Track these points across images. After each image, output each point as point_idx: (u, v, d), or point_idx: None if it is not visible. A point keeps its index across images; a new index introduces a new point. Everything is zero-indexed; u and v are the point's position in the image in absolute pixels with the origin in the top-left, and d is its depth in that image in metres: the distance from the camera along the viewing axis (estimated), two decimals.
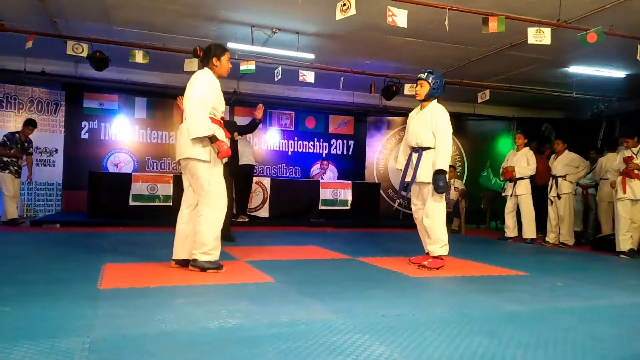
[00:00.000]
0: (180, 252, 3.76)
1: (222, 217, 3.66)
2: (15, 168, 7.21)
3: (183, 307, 2.60)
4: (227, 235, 5.42)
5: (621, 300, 3.26)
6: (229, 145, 3.70)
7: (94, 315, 2.39)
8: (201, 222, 3.58)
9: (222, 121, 3.76)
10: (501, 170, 7.46)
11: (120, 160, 9.33)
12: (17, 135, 7.36)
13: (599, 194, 6.96)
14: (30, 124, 7.47)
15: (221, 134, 3.65)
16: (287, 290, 3.16)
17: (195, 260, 3.62)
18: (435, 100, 4.25)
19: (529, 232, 7.02)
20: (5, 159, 7.10)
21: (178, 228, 3.74)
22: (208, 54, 3.74)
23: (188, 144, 3.53)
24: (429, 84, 4.14)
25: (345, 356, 1.89)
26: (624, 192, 5.70)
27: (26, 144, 7.45)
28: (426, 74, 4.19)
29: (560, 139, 7.05)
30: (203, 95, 3.58)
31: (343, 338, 2.12)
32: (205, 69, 3.76)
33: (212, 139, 3.52)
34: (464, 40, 6.72)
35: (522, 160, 7.09)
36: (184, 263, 3.72)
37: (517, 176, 7.08)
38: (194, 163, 3.56)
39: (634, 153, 5.83)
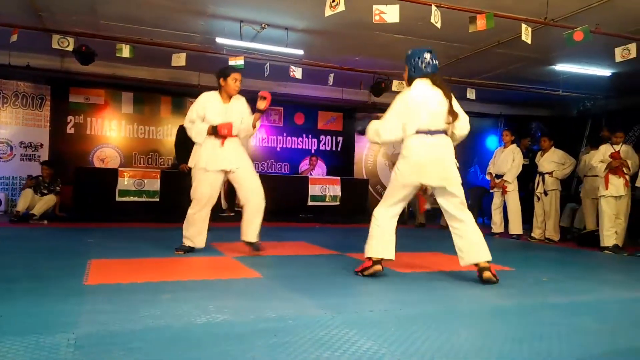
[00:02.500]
0: None
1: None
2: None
3: (170, 302, 2.58)
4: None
5: (606, 295, 3.31)
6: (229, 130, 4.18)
7: (80, 311, 2.37)
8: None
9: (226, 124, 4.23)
10: (490, 168, 7.51)
11: (107, 156, 9.24)
12: (40, 178, 7.39)
13: (583, 190, 7.05)
14: (44, 164, 7.53)
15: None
16: (274, 285, 3.15)
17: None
18: (417, 81, 3.62)
19: (515, 228, 7.09)
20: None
21: None
22: (217, 77, 4.35)
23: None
24: (407, 67, 3.81)
25: (332, 351, 1.89)
26: (606, 189, 5.79)
27: (50, 186, 7.39)
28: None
29: (547, 136, 7.12)
30: (189, 114, 4.32)
31: (331, 333, 2.12)
32: (214, 91, 4.41)
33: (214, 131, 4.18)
34: (453, 37, 6.74)
35: (508, 158, 7.16)
36: None
37: (504, 172, 7.16)
38: None
39: (614, 150, 5.92)
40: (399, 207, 3.64)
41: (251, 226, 4.34)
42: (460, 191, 3.48)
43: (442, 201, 3.57)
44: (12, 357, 1.71)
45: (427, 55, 3.60)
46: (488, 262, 3.35)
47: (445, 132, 3.46)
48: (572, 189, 8.31)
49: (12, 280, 3.05)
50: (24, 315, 2.27)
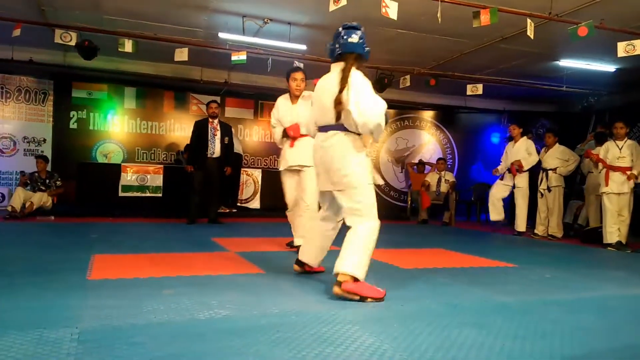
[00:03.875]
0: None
1: None
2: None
3: (173, 297, 2.59)
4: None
5: (609, 292, 3.30)
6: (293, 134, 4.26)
7: (83, 306, 2.38)
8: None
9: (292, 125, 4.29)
10: (502, 165, 7.38)
11: (110, 151, 9.24)
12: (36, 174, 7.32)
13: (587, 187, 7.02)
14: (39, 157, 7.47)
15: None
16: (277, 281, 3.16)
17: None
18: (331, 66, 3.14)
19: (520, 225, 7.07)
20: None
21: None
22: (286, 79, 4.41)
23: None
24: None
25: (335, 346, 1.90)
26: (607, 185, 5.77)
27: (47, 180, 7.34)
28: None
29: (552, 132, 7.08)
30: (271, 119, 4.51)
31: (333, 329, 2.12)
32: (287, 93, 4.48)
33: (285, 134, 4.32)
34: (456, 32, 6.71)
35: (521, 150, 7.08)
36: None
37: (525, 168, 7.02)
38: None
39: (618, 147, 5.88)
40: (324, 211, 3.22)
41: (297, 230, 4.37)
42: (357, 195, 2.86)
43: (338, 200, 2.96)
44: (16, 351, 1.72)
45: (335, 35, 3.05)
46: (349, 275, 2.71)
47: (339, 127, 2.89)
48: (575, 185, 8.28)
49: (16, 274, 3.06)
50: (27, 309, 2.28)
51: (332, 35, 3.15)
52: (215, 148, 6.85)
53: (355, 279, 2.72)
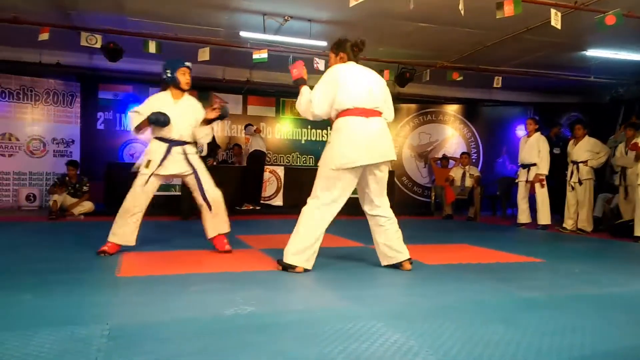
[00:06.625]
0: None
1: None
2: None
3: (199, 294, 2.62)
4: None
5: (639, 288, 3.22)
6: None
7: (112, 303, 2.43)
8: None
9: None
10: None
11: (137, 151, 9.41)
12: (66, 178, 7.45)
13: (620, 179, 6.84)
14: (69, 164, 7.59)
15: None
16: (301, 277, 3.17)
17: None
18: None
19: (544, 218, 6.95)
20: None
21: None
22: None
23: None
24: None
25: (360, 343, 1.90)
26: None
27: (77, 185, 7.45)
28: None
29: (581, 124, 6.93)
30: None
31: (357, 325, 2.12)
32: None
33: None
34: (479, 24, 6.61)
35: (533, 148, 7.01)
36: None
37: (529, 162, 7.01)
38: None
39: None
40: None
41: None
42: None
43: None
44: (48, 347, 1.77)
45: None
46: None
47: None
48: (605, 177, 8.07)
49: (48, 273, 3.15)
50: (59, 307, 2.34)
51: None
52: (204, 146, 7.03)
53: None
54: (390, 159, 3.34)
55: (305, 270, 3.27)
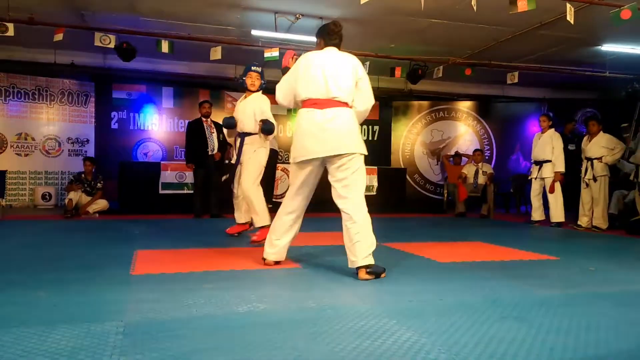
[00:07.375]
0: None
1: None
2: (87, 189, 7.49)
3: (213, 291, 2.64)
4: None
5: None
6: None
7: (127, 300, 2.46)
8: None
9: None
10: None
11: (150, 149, 9.49)
12: (82, 175, 7.53)
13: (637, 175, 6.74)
14: (87, 159, 7.70)
15: None
16: (314, 275, 3.18)
17: None
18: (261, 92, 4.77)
19: (557, 215, 6.88)
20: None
21: None
22: None
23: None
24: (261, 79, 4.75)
25: (372, 340, 1.90)
26: None
27: (92, 182, 7.51)
28: (260, 68, 4.77)
29: (596, 120, 6.84)
30: None
31: (370, 323, 2.12)
32: None
33: None
34: (492, 20, 6.55)
35: (547, 144, 6.94)
36: None
37: (542, 159, 6.94)
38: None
39: None
40: None
41: None
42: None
43: None
44: (65, 344, 1.79)
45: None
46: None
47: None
48: (620, 174, 7.96)
49: (64, 270, 3.20)
50: (75, 304, 2.38)
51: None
52: (214, 145, 7.22)
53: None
54: (339, 152, 3.09)
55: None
